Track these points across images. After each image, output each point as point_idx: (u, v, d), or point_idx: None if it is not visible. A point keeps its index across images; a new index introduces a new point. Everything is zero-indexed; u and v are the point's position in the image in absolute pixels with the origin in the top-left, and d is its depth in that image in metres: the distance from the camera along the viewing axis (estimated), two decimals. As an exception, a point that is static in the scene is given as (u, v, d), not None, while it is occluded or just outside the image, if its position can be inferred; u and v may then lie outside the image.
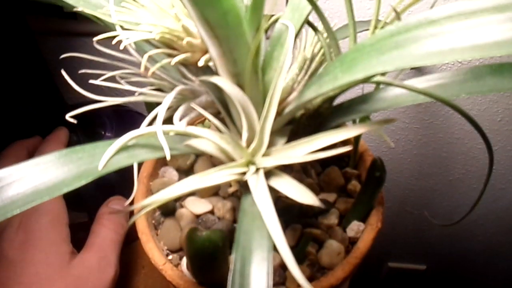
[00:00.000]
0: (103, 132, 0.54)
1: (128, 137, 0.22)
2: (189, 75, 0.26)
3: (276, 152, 0.25)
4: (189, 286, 0.30)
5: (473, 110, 0.62)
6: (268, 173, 0.25)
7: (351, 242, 0.34)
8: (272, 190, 0.24)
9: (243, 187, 0.25)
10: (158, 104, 0.29)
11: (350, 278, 0.33)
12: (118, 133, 0.51)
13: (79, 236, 0.53)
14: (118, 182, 0.52)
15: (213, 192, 0.37)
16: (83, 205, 0.54)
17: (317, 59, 0.28)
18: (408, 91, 0.26)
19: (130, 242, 0.55)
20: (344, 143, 0.38)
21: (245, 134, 0.25)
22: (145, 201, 0.23)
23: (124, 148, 0.22)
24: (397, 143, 0.70)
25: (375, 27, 0.31)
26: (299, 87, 0.27)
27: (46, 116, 0.53)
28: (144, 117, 0.53)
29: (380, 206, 0.34)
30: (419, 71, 0.56)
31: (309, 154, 0.22)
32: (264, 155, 0.25)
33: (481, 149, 0.69)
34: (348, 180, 0.38)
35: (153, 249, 0.32)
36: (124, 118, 0.57)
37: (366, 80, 0.24)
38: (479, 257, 0.96)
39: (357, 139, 0.37)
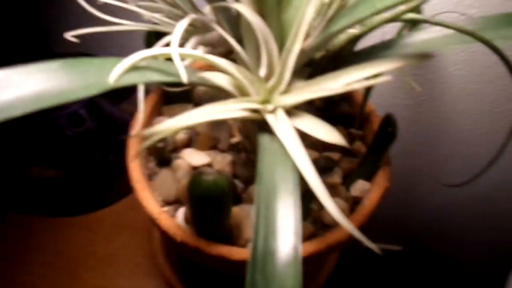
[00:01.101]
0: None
1: (141, 55, 0.19)
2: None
3: (296, 90, 0.23)
4: (187, 236, 0.28)
5: (466, 89, 0.62)
6: (287, 113, 0.23)
7: (355, 202, 0.33)
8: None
9: (258, 126, 0.23)
10: (158, 39, 0.27)
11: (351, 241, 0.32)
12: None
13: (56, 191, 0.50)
14: (96, 143, 0.50)
15: (212, 145, 0.35)
16: (60, 163, 0.51)
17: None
18: (436, 36, 0.25)
19: (122, 196, 0.53)
20: (351, 102, 0.37)
21: (263, 69, 0.23)
22: (150, 130, 0.20)
23: (135, 68, 0.19)
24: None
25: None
26: (322, 25, 0.25)
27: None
28: None
29: (387, 165, 0.32)
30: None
31: (342, 86, 0.20)
32: (283, 93, 0.23)
33: (469, 130, 0.69)
34: (353, 140, 0.36)
35: (148, 198, 0.30)
36: None
37: (400, 16, 0.22)
38: (454, 240, 0.98)
39: (365, 99, 0.36)
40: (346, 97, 0.39)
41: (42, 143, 0.49)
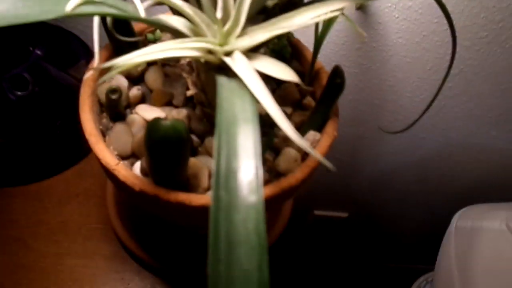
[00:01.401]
0: (31, 48, 0.48)
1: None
2: None
3: (251, 33, 0.24)
4: (145, 185, 0.29)
5: (407, 57, 0.66)
6: (244, 55, 0.24)
7: (306, 152, 0.35)
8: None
9: (215, 70, 0.24)
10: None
11: (305, 187, 0.34)
12: (49, 55, 0.47)
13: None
14: (50, 99, 0.48)
15: (166, 101, 0.36)
16: (4, 129, 0.48)
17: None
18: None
19: (72, 164, 0.51)
20: (301, 60, 0.38)
21: (219, 13, 0.24)
22: (107, 63, 0.21)
23: (91, 2, 0.19)
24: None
25: None
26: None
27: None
28: (77, 38, 0.49)
29: (336, 116, 0.34)
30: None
31: (295, 24, 0.21)
32: (239, 36, 0.24)
33: (409, 97, 0.74)
34: (303, 95, 0.38)
35: (104, 150, 0.30)
36: (62, 42, 0.51)
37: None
38: (395, 205, 1.05)
39: (314, 56, 0.38)
40: (297, 56, 0.40)
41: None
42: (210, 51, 0.23)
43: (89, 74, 0.31)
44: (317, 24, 0.35)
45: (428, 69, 0.67)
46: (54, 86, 0.48)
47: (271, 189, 0.29)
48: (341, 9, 0.22)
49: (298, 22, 0.22)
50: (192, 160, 0.31)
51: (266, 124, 0.34)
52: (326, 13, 0.21)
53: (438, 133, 0.83)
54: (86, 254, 0.47)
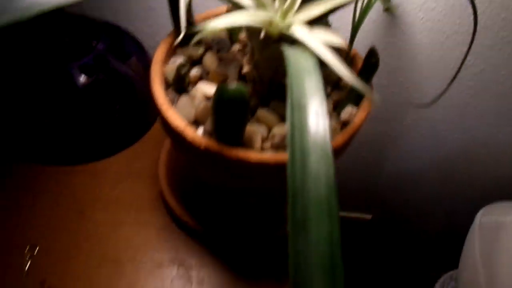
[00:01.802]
0: (94, 43, 0.55)
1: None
2: None
3: (306, 9, 0.29)
4: (209, 143, 0.34)
5: (432, 56, 0.70)
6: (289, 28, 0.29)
7: (344, 124, 0.39)
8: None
9: (273, 42, 0.29)
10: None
11: (345, 149, 0.38)
12: (109, 49, 0.53)
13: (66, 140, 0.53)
14: (110, 87, 0.54)
15: (221, 80, 0.41)
16: (71, 113, 0.54)
17: None
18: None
19: (128, 145, 0.57)
20: (339, 49, 0.43)
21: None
22: (198, 27, 0.26)
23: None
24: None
25: None
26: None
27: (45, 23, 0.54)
28: (137, 42, 0.55)
29: (369, 92, 0.39)
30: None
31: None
32: (296, 13, 0.29)
33: (434, 95, 0.78)
34: (341, 78, 0.43)
35: (174, 115, 0.35)
36: (119, 39, 0.58)
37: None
38: (420, 205, 1.08)
39: (351, 44, 0.43)
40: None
41: (55, 93, 0.52)
42: (271, 23, 0.29)
43: (177, 41, 0.37)
44: (354, 13, 0.40)
45: (451, 68, 0.71)
46: (114, 76, 0.54)
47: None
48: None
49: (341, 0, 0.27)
50: (249, 127, 0.36)
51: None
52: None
53: (462, 131, 0.86)
54: (139, 224, 0.52)
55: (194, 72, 0.41)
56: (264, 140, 0.37)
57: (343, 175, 1.01)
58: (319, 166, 0.20)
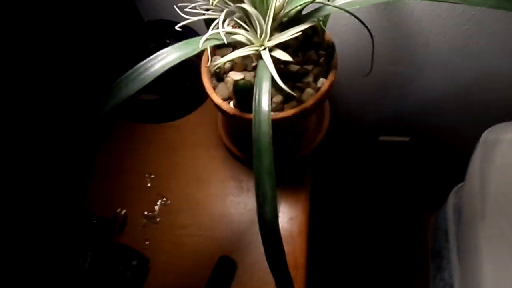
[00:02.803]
0: (168, 41, 0.83)
1: (209, 33, 0.51)
2: (231, 4, 0.54)
3: (275, 38, 0.54)
4: (234, 111, 0.61)
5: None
6: (271, 50, 0.54)
7: (319, 89, 0.63)
8: (273, 57, 0.53)
9: (259, 58, 0.54)
10: (212, 21, 0.57)
11: (317, 109, 0.63)
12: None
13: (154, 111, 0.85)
14: (182, 71, 0.82)
15: (244, 68, 0.67)
16: (157, 89, 0.85)
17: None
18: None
19: (186, 113, 0.87)
20: (319, 36, 0.66)
21: (258, 31, 0.54)
22: (213, 63, 0.52)
23: (207, 39, 0.51)
24: (374, 30, 0.95)
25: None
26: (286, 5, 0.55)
27: (126, 29, 0.83)
28: (196, 33, 0.82)
29: (334, 68, 0.62)
30: None
31: (289, 36, 0.50)
32: (269, 40, 0.54)
33: (437, 40, 0.94)
34: (320, 57, 0.66)
35: (215, 96, 0.63)
36: (184, 35, 0.85)
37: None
38: (448, 127, 1.25)
39: (322, 33, 0.65)
40: (317, 32, 0.67)
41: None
42: (255, 50, 0.54)
43: (204, 61, 0.64)
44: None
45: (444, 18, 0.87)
46: (186, 63, 0.82)
47: (295, 109, 0.59)
48: (308, 28, 0.50)
49: (291, 33, 0.51)
50: (257, 99, 0.63)
51: (297, 76, 0.64)
52: (302, 30, 0.50)
53: (469, 66, 1.00)
54: (209, 157, 0.82)
55: (227, 65, 0.67)
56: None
57: (376, 105, 1.21)
58: (265, 126, 0.47)
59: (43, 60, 0.76)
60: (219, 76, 0.66)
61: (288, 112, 0.60)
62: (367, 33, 0.84)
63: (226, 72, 0.67)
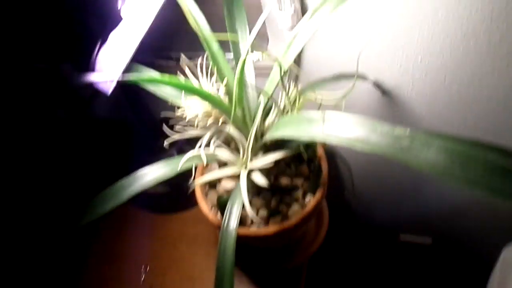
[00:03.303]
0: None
1: (189, 155, 0.53)
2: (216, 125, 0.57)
3: (256, 161, 0.55)
4: (219, 223, 0.62)
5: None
6: (252, 171, 0.55)
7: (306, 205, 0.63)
8: (250, 178, 0.54)
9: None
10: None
11: (303, 224, 0.62)
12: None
13: (163, 202, 0.88)
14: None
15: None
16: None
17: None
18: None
19: (191, 206, 0.89)
20: (308, 149, 0.67)
21: (241, 152, 0.56)
22: (200, 179, 0.54)
23: (187, 160, 0.53)
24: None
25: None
26: (270, 128, 0.57)
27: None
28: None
29: (322, 186, 0.62)
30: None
31: (269, 160, 0.52)
32: (251, 161, 0.56)
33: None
34: (312, 172, 0.67)
35: (204, 205, 0.64)
36: None
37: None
38: (472, 233, 1.17)
39: (313, 151, 0.66)
40: (312, 148, 0.68)
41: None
42: (237, 171, 0.55)
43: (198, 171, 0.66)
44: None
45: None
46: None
47: (276, 227, 0.59)
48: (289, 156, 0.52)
49: (272, 158, 0.53)
50: (244, 211, 0.64)
51: (287, 190, 0.64)
52: (281, 155, 0.52)
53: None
54: (205, 254, 0.82)
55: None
56: (253, 220, 0.63)
57: (396, 204, 1.17)
58: (229, 255, 0.47)
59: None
60: (211, 183, 0.68)
61: (268, 230, 0.59)
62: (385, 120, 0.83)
63: (219, 180, 0.69)
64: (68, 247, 0.88)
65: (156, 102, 0.61)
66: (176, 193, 0.89)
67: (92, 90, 0.56)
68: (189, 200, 0.90)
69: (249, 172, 0.55)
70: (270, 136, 0.52)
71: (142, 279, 0.82)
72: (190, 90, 0.49)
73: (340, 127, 0.41)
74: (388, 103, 0.84)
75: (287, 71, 0.51)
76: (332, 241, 1.35)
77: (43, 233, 0.83)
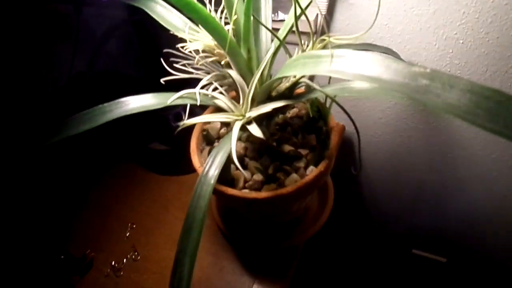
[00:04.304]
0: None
1: (184, 92, 0.48)
2: (221, 68, 0.52)
3: (256, 109, 0.49)
4: (209, 180, 0.56)
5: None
6: (250, 122, 0.49)
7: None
8: (247, 129, 0.48)
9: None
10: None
11: (299, 196, 0.56)
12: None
13: (162, 162, 0.83)
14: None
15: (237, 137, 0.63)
16: (168, 142, 0.84)
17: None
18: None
19: (190, 172, 0.84)
20: (320, 119, 0.60)
21: (241, 99, 0.50)
22: (191, 120, 0.49)
23: (180, 97, 0.48)
24: (409, 139, 0.87)
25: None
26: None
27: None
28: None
29: (328, 158, 0.56)
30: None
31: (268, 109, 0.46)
32: (249, 111, 0.50)
33: (482, 156, 0.83)
34: (319, 143, 0.60)
35: (195, 159, 0.59)
36: None
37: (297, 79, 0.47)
38: (491, 252, 1.07)
39: (325, 117, 0.59)
40: (323, 117, 0.62)
41: (158, 129, 0.82)
42: (236, 119, 0.50)
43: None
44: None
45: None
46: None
47: (269, 193, 0.53)
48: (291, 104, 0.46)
49: (271, 106, 0.47)
50: (237, 172, 0.58)
51: (289, 159, 0.58)
52: (282, 103, 0.46)
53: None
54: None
55: (223, 130, 0.64)
56: (247, 182, 0.57)
57: (409, 213, 1.09)
58: (202, 202, 0.41)
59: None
60: (209, 140, 0.63)
61: (260, 195, 0.53)
62: (405, 127, 0.76)
63: (220, 137, 0.64)
64: (64, 197, 0.85)
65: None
66: (177, 155, 0.84)
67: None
68: (190, 165, 0.85)
69: (247, 124, 0.49)
70: (272, 79, 0.46)
71: (127, 235, 0.77)
72: (197, 14, 0.42)
73: (349, 63, 0.34)
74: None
75: (304, 12, 0.45)
76: (333, 231, 1.28)
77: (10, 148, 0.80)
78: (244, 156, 0.61)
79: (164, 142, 0.85)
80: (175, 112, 0.80)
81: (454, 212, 1.01)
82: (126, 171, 0.88)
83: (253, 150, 0.61)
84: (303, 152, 0.59)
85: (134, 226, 0.78)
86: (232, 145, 0.45)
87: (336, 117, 0.65)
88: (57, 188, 0.86)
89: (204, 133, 0.61)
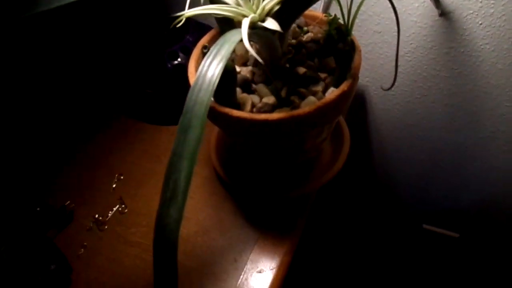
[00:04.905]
0: (187, 36, 0.74)
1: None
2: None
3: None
4: (213, 105, 0.47)
5: (498, 63, 0.69)
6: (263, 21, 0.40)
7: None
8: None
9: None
10: None
11: (316, 119, 0.47)
12: (196, 37, 0.71)
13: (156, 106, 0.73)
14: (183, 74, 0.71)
15: (244, 61, 0.54)
16: (162, 86, 0.74)
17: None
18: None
19: None
20: (340, 41, 0.51)
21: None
22: (190, 11, 0.40)
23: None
24: (429, 90, 0.79)
25: None
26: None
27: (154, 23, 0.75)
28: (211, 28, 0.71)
29: (351, 78, 0.47)
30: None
31: None
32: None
33: (509, 107, 0.75)
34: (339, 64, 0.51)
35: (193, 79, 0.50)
36: (200, 29, 0.76)
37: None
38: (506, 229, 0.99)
39: (348, 34, 0.51)
40: (342, 38, 0.53)
41: (153, 72, 0.73)
42: (244, 15, 0.41)
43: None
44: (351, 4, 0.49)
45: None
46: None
47: (282, 114, 0.44)
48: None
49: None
50: (244, 95, 0.49)
51: (305, 82, 0.49)
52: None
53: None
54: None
55: (226, 55, 0.55)
56: (254, 106, 0.48)
57: (423, 182, 1.01)
58: (204, 95, 0.32)
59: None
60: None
61: (271, 116, 0.44)
62: (426, 75, 0.68)
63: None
64: (48, 148, 0.76)
65: None
66: (171, 102, 0.75)
67: None
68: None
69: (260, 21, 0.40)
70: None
71: (113, 187, 0.68)
72: None
73: None
74: (443, 28, 0.68)
75: None
76: (340, 201, 1.19)
77: None
78: (251, 82, 0.52)
79: (158, 87, 0.76)
80: (171, 49, 0.71)
81: (473, 181, 0.93)
82: (115, 121, 0.79)
83: (261, 74, 0.52)
84: (322, 75, 0.51)
85: (122, 177, 0.69)
86: (243, 32, 0.36)
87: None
88: (42, 138, 0.76)
89: (205, 50, 0.51)
